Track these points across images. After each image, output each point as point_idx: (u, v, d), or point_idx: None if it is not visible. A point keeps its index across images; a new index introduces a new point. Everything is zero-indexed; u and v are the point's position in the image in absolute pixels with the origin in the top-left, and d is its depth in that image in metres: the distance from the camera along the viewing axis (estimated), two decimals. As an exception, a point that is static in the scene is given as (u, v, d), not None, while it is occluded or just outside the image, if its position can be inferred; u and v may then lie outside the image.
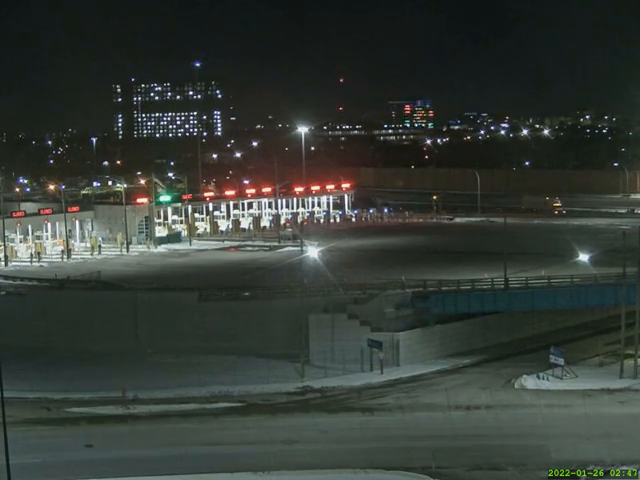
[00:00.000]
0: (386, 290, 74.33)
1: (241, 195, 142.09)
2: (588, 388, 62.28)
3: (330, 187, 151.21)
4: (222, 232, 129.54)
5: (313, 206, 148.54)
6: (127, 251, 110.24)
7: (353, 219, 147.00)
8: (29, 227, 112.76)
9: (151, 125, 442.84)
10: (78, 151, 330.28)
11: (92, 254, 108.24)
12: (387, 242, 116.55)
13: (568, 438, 51.29)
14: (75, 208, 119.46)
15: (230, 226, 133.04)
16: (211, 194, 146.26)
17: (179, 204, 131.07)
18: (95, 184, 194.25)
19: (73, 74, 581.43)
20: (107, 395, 61.76)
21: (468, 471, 47.76)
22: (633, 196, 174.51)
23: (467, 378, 66.66)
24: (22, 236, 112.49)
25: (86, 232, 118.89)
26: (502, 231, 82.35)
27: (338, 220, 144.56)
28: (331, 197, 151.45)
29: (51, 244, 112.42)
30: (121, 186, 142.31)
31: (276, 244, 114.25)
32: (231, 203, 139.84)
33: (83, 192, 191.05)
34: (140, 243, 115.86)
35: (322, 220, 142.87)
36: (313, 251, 78.55)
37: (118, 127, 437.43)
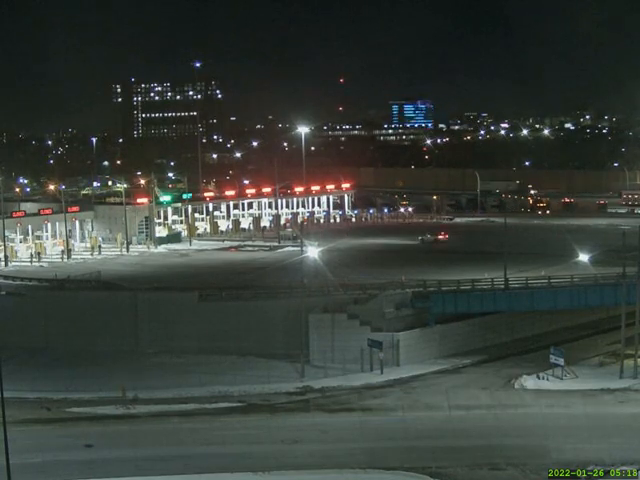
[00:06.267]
0: (386, 290, 74.30)
1: (241, 195, 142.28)
2: (588, 388, 62.32)
3: (330, 187, 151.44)
4: (222, 232, 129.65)
5: (313, 206, 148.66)
6: (127, 251, 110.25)
7: (353, 219, 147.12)
8: (29, 227, 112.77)
9: (151, 125, 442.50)
10: (78, 151, 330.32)
11: (92, 254, 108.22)
12: (387, 242, 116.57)
13: (568, 438, 51.27)
14: (75, 208, 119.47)
15: (230, 226, 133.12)
16: (211, 194, 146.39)
17: (179, 204, 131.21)
18: (95, 184, 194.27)
19: (73, 74, 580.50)
20: (107, 395, 61.74)
21: (468, 471, 47.75)
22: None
23: (467, 378, 66.65)
24: (22, 236, 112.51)
25: (86, 232, 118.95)
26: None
27: (338, 220, 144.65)
28: (331, 197, 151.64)
29: (51, 244, 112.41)
30: (121, 186, 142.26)
31: (276, 244, 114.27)
32: (231, 203, 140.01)
33: (83, 192, 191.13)
34: (140, 243, 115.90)
35: (322, 220, 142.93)
36: (313, 251, 78.52)
37: (118, 127, 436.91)
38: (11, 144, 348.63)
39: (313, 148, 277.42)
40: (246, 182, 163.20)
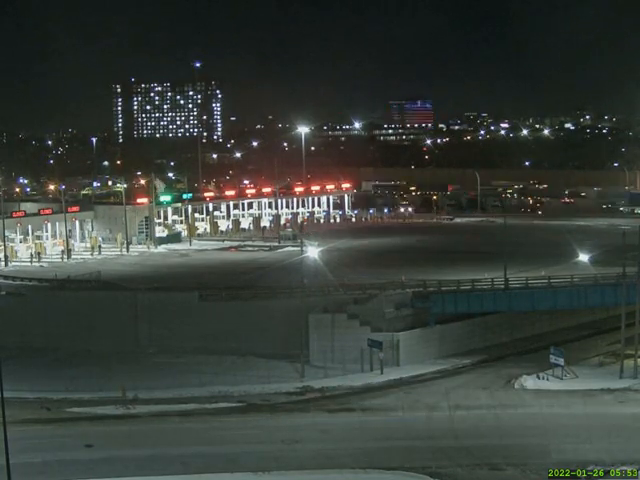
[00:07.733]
0: (386, 290, 74.28)
1: (241, 195, 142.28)
2: (588, 388, 62.26)
3: (330, 187, 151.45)
4: (222, 232, 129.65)
5: (313, 206, 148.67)
6: (127, 251, 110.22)
7: (353, 219, 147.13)
8: (29, 227, 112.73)
9: (151, 125, 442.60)
10: (78, 151, 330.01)
11: (92, 254, 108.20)
12: (387, 242, 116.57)
13: (568, 438, 51.24)
14: (75, 208, 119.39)
15: (230, 226, 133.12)
16: (211, 194, 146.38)
17: (179, 204, 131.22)
18: (95, 184, 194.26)
19: (73, 74, 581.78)
20: (107, 395, 61.70)
21: (468, 471, 47.73)
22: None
23: (467, 378, 66.65)
24: (22, 236, 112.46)
25: (86, 232, 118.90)
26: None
27: (338, 220, 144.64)
28: (331, 197, 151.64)
29: (51, 244, 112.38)
30: (121, 186, 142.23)
31: (276, 244, 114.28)
32: (231, 203, 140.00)
33: (83, 192, 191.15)
34: (140, 243, 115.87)
35: (322, 220, 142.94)
36: (313, 251, 78.52)
37: (118, 127, 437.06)
38: (11, 144, 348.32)
39: (313, 148, 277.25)
40: (246, 182, 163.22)
